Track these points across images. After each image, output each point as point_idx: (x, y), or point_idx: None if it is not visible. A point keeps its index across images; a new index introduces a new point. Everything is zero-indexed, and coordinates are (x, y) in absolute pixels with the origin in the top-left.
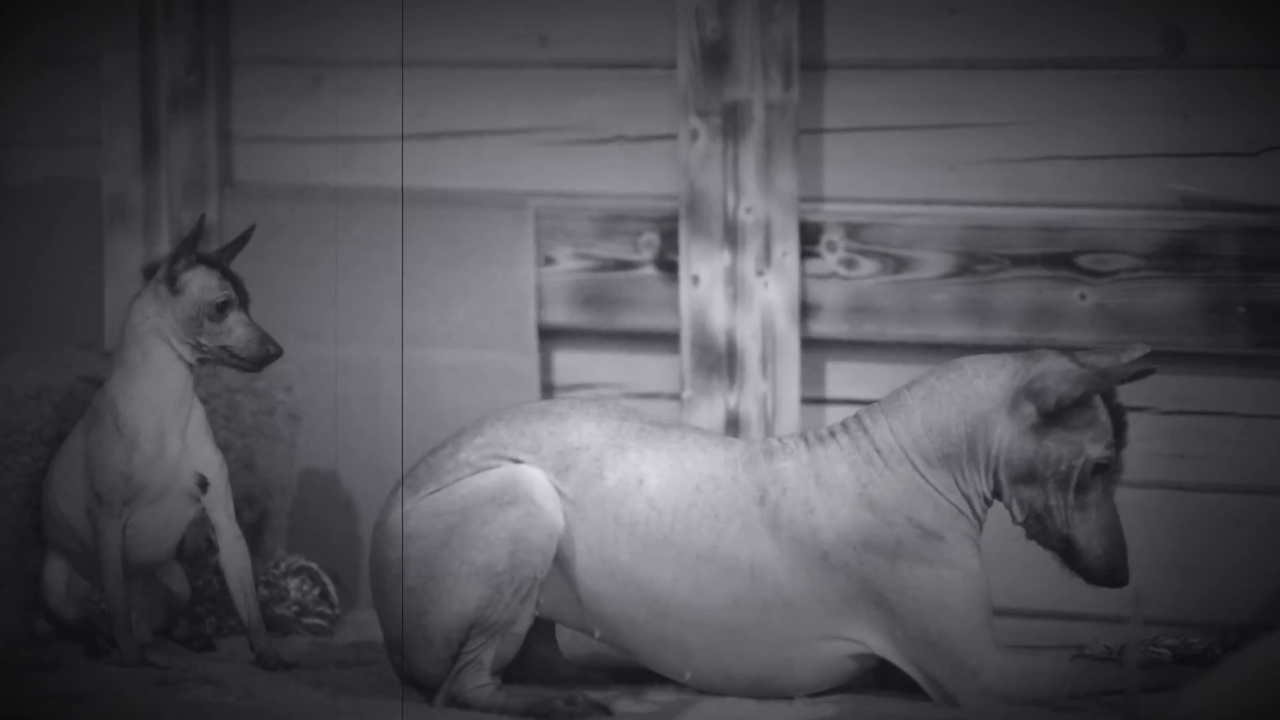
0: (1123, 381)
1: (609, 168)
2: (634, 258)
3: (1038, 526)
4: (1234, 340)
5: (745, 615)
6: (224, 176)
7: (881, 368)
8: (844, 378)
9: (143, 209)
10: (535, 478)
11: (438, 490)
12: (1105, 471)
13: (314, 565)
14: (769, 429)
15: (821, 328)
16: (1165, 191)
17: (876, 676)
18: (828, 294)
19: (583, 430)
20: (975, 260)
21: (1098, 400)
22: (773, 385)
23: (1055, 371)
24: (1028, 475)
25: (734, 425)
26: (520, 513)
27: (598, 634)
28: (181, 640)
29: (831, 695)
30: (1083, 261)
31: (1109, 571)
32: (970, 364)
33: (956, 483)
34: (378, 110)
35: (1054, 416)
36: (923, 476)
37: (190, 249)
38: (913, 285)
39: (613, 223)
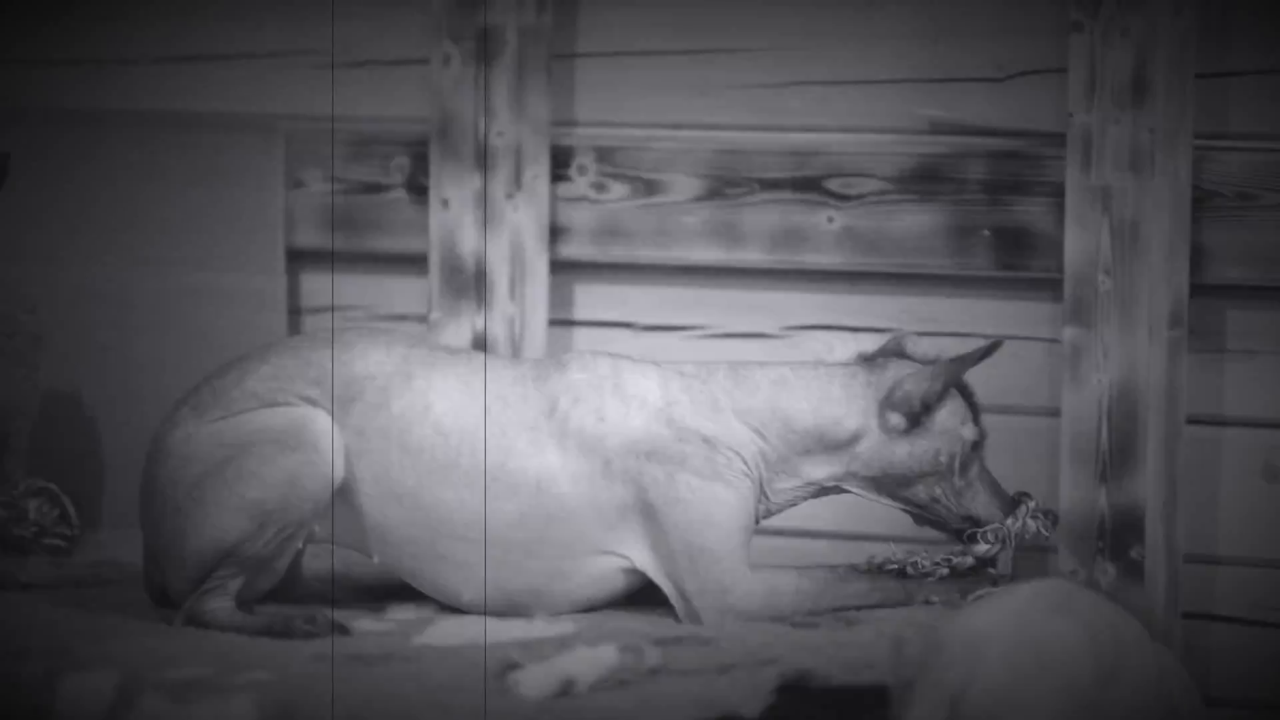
0: (975, 365)
1: (361, 91)
2: (384, 181)
3: (929, 516)
4: (979, 263)
5: (529, 530)
6: None
7: (631, 290)
8: (593, 300)
9: None
10: (324, 428)
11: (223, 418)
12: (978, 444)
13: (54, 487)
14: (516, 351)
15: (571, 250)
16: (913, 116)
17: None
18: (578, 217)
19: (369, 359)
20: (725, 184)
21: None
22: (521, 308)
23: (909, 375)
24: (903, 480)
25: (480, 347)
26: (302, 459)
27: (377, 559)
28: None
29: (585, 613)
30: (831, 185)
31: None
32: (825, 368)
33: (766, 457)
34: (123, 32)
35: (920, 417)
36: (738, 425)
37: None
38: (662, 208)
39: (364, 146)
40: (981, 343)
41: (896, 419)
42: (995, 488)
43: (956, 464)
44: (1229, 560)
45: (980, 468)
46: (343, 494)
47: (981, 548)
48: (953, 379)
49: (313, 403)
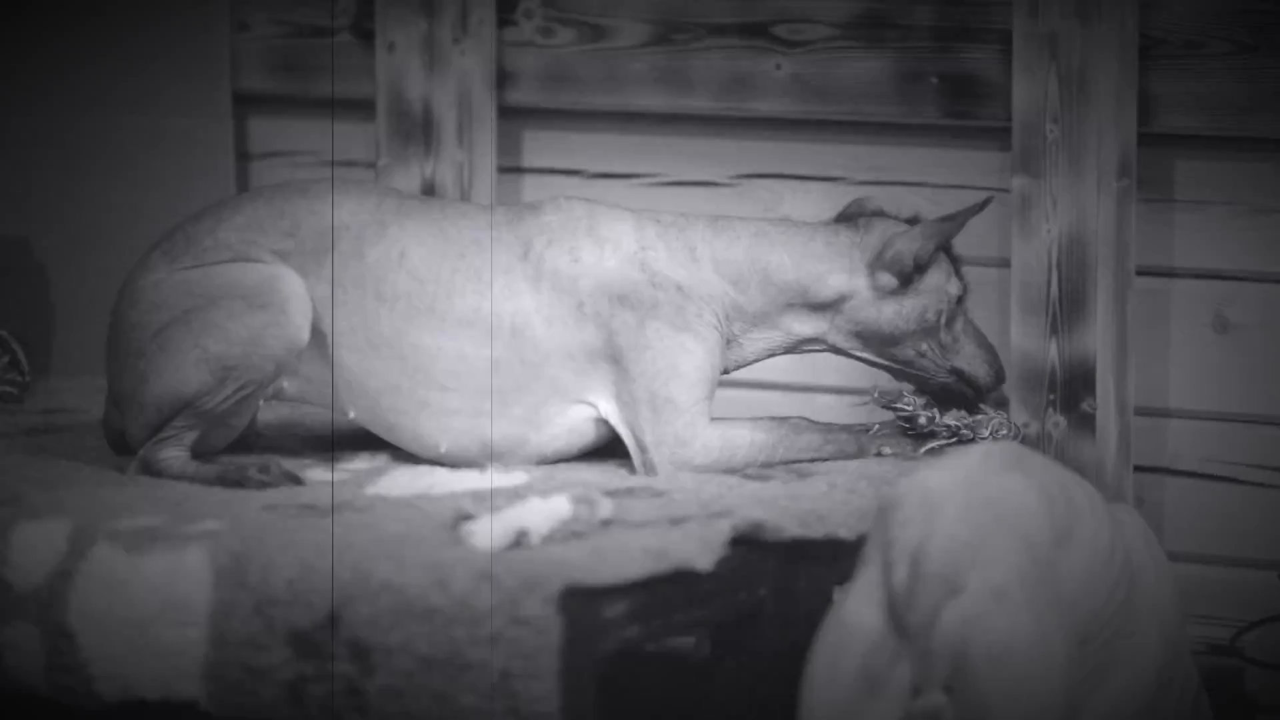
0: (966, 223)
1: None
2: (329, 24)
3: (912, 372)
4: (926, 111)
5: (505, 376)
6: None
7: (579, 137)
8: (541, 146)
9: None
10: (295, 289)
11: (195, 267)
12: (962, 298)
13: (4, 333)
14: (465, 197)
15: (518, 96)
16: None
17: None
18: (525, 62)
19: (342, 209)
20: (672, 29)
21: None
22: (469, 154)
23: (899, 234)
24: (889, 339)
25: (429, 193)
26: (268, 318)
27: (352, 414)
28: None
29: (532, 465)
30: (778, 31)
31: (996, 378)
32: (809, 225)
33: (743, 310)
34: None
35: (912, 276)
36: (713, 277)
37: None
38: (610, 54)
39: None
40: (930, 193)
41: (887, 279)
42: (980, 339)
43: (943, 320)
44: (1180, 413)
45: (965, 321)
46: (315, 348)
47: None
48: (946, 238)
49: (284, 256)
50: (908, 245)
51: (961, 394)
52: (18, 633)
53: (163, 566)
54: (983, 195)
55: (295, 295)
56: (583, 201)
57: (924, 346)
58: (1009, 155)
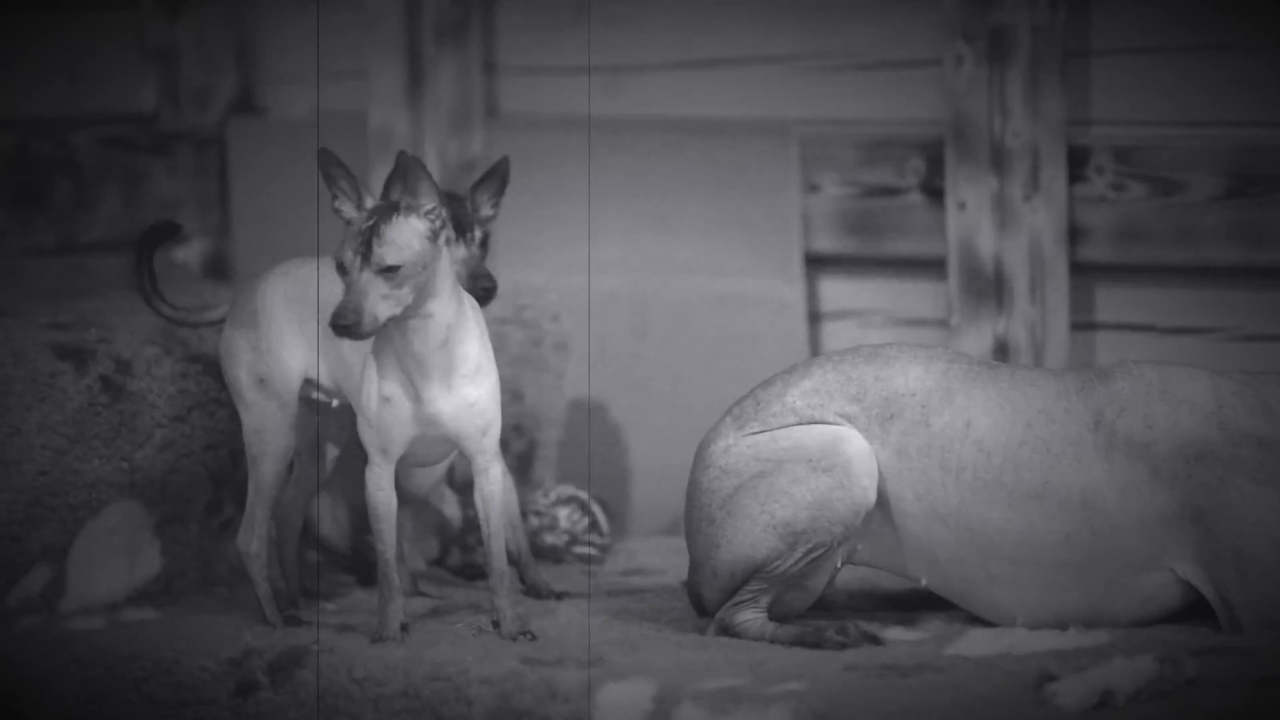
0: None
1: (874, 93)
2: (900, 184)
3: None
4: None
5: (1076, 549)
6: (489, 107)
7: (1152, 292)
8: (1114, 303)
9: (409, 141)
10: (858, 449)
11: (761, 432)
12: None
13: (583, 495)
14: (1038, 356)
15: (1090, 252)
16: None
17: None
18: (1096, 218)
19: (909, 375)
20: (1245, 182)
21: None
22: (1041, 311)
23: None
24: None
25: (1002, 352)
26: (833, 482)
27: (924, 581)
28: (454, 570)
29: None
30: None
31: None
32: None
33: None
34: (642, 39)
35: None
36: None
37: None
38: (1182, 208)
39: (878, 149)
40: None
41: None
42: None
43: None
44: None
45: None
46: (881, 513)
47: None
48: None
49: (851, 420)
50: None
51: None
52: None
53: None
54: None
55: (859, 456)
56: (1153, 365)
57: None
58: None
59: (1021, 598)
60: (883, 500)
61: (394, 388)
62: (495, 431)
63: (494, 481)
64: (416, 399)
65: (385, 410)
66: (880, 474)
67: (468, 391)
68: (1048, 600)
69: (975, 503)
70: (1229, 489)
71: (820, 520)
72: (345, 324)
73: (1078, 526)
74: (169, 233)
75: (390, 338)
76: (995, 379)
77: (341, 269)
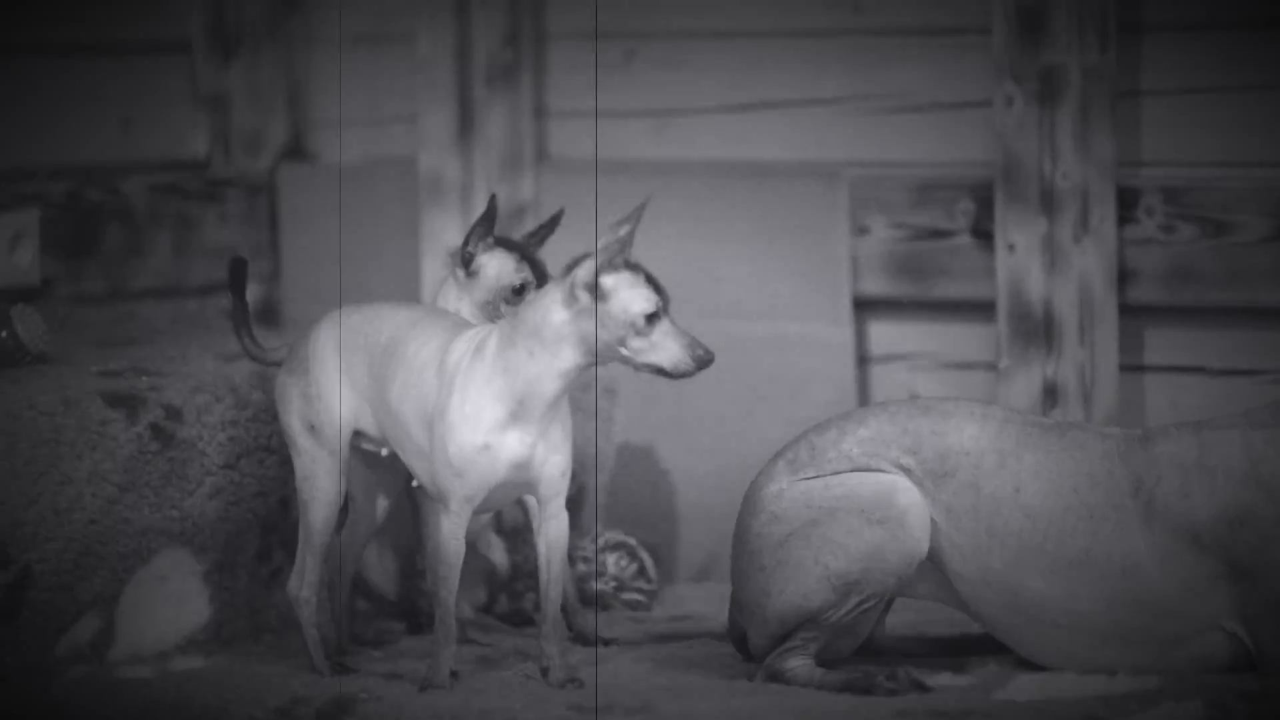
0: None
1: (923, 135)
2: (949, 226)
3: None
4: None
5: (1121, 615)
6: (539, 152)
7: (1202, 334)
8: (1164, 345)
9: (459, 185)
10: (912, 501)
11: (815, 477)
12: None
13: (632, 541)
14: (1087, 399)
15: (1140, 294)
16: None
17: None
18: (1146, 260)
19: (965, 432)
20: None
21: None
22: (1091, 353)
23: None
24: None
25: (1051, 395)
26: (886, 534)
27: (978, 626)
28: (502, 616)
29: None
30: None
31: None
32: None
33: None
34: (690, 82)
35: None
36: None
37: (484, 231)
38: (1233, 249)
39: (927, 191)
40: None
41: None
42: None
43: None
44: None
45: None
46: (937, 562)
47: None
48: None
49: (906, 472)
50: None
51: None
52: None
53: None
54: None
55: (913, 506)
56: (1191, 428)
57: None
58: None
59: (1073, 660)
60: (934, 551)
61: (494, 435)
62: (569, 475)
63: (564, 527)
64: (514, 445)
65: (482, 457)
66: (933, 523)
67: (555, 435)
68: (1094, 662)
69: (1018, 568)
70: (1274, 545)
71: (873, 571)
72: (712, 356)
73: (1119, 595)
74: (244, 268)
75: (513, 383)
76: (1045, 440)
77: (657, 315)
